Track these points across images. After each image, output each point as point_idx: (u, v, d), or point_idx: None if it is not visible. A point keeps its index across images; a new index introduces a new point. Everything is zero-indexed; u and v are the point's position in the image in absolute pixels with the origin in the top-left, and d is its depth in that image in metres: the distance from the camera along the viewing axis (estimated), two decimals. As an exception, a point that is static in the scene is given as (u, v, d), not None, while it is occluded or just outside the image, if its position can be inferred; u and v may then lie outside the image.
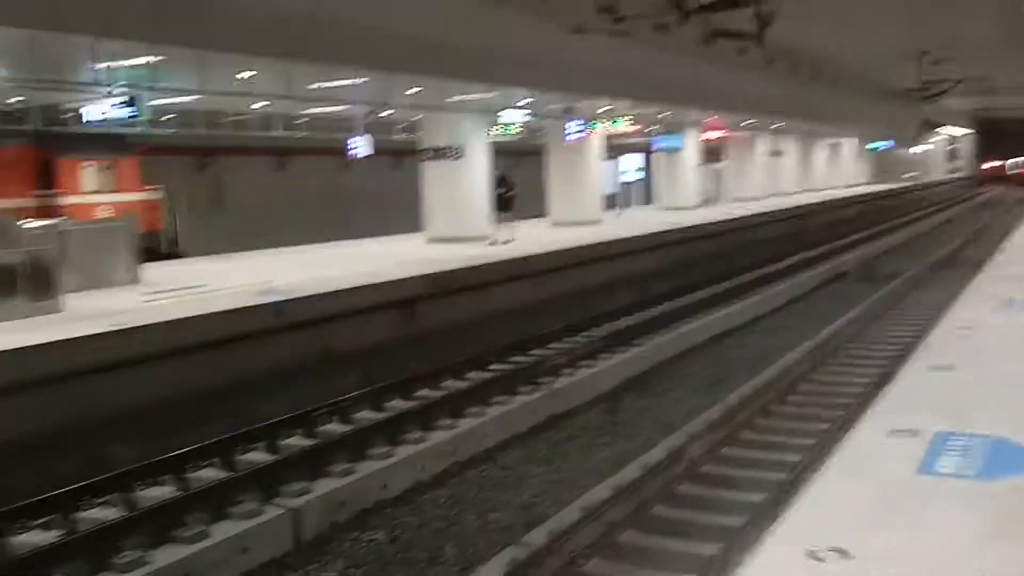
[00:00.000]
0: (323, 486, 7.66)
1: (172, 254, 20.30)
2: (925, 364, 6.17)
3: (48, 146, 18.30)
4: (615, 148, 30.14)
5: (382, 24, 13.70)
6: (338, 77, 16.32)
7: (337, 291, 12.42)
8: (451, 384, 10.94)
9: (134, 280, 14.21)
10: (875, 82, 34.06)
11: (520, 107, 19.89)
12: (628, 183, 30.32)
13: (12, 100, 16.46)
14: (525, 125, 24.99)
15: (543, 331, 13.36)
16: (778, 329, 15.27)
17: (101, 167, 19.03)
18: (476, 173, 20.24)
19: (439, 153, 19.93)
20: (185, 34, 11.61)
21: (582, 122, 22.45)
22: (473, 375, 11.32)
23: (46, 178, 18.29)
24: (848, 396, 10.12)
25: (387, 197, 28.38)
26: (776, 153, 40.42)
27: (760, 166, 38.64)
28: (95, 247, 13.88)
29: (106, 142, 18.85)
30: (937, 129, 60.44)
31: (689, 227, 23.52)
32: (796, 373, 11.33)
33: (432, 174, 20.29)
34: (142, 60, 13.59)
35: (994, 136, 74.00)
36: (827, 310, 16.14)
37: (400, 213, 24.83)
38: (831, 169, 48.71)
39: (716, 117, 31.46)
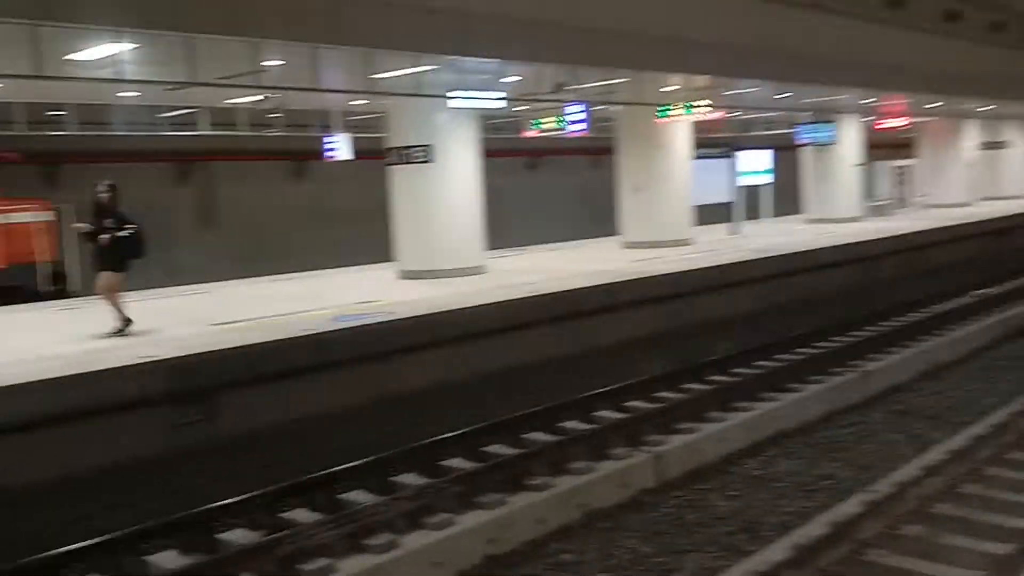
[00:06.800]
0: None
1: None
2: None
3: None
4: (716, 143, 23.37)
5: None
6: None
7: None
8: None
9: None
10: None
11: (476, 88, 14.09)
12: (752, 187, 23.38)
13: None
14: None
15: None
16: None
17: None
18: (461, 183, 14.92)
19: (404, 155, 14.80)
20: None
21: (583, 107, 16.20)
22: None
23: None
24: None
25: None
26: (992, 145, 31.55)
27: (968, 162, 29.96)
28: None
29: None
30: None
31: (807, 251, 17.15)
32: None
33: (396, 183, 15.20)
34: None
35: None
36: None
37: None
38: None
39: (894, 100, 23.84)
